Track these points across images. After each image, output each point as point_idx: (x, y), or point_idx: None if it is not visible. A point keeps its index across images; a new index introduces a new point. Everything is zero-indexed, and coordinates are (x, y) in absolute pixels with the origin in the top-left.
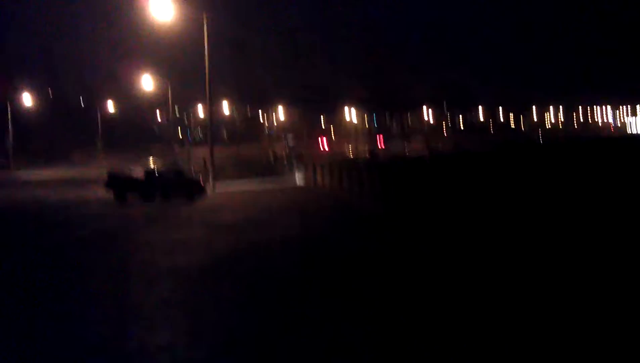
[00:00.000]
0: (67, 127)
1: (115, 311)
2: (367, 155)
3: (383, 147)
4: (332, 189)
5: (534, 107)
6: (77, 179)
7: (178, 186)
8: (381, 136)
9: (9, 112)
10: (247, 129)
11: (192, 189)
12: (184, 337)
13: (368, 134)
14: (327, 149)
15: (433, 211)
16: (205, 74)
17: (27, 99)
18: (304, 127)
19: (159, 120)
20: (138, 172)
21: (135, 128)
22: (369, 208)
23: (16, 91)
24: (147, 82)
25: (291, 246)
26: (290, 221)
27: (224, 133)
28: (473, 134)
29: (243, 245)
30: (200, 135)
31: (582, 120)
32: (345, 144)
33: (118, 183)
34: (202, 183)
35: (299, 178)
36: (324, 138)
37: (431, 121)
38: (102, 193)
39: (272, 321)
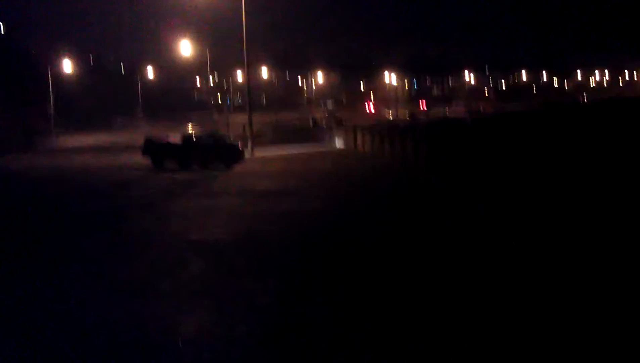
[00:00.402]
0: (108, 94)
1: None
2: (408, 118)
3: (425, 110)
4: (373, 152)
5: (578, 71)
6: (118, 146)
7: (216, 152)
8: (423, 100)
9: (50, 78)
10: (286, 95)
11: (230, 155)
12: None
13: (409, 98)
14: (373, 112)
15: (471, 174)
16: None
17: (67, 65)
18: (344, 93)
19: (199, 86)
20: (175, 138)
21: (176, 94)
22: (409, 170)
23: (57, 57)
24: (186, 48)
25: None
26: (328, 190)
27: (263, 99)
28: (516, 96)
29: (271, 217)
30: (240, 101)
31: (627, 79)
32: (385, 108)
33: (155, 149)
34: (240, 148)
35: (339, 143)
36: (370, 103)
37: (472, 84)
38: (140, 159)
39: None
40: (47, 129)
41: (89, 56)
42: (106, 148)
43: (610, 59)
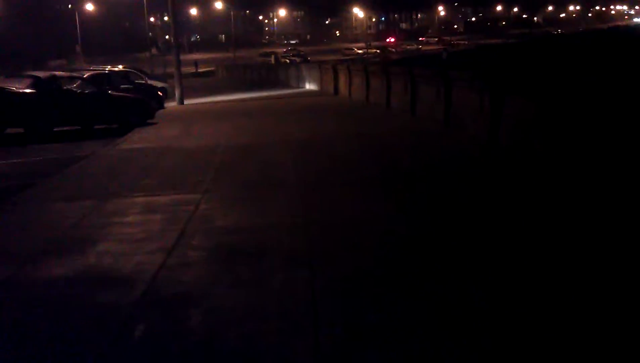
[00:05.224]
0: (43, 33)
1: None
2: (379, 56)
3: (396, 47)
4: (369, 99)
5: (549, 6)
6: None
7: (102, 106)
8: (394, 36)
9: None
10: (246, 33)
11: (127, 111)
12: None
13: (377, 35)
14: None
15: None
16: None
17: None
18: (308, 31)
19: (150, 24)
20: (26, 85)
21: (124, 32)
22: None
23: None
24: None
25: None
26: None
27: (222, 38)
28: (487, 29)
29: None
30: (196, 38)
31: (597, 9)
32: (353, 45)
33: None
34: (155, 98)
35: (310, 84)
36: (393, 38)
37: (442, 17)
38: None
39: None
40: None
41: None
42: None
43: None
